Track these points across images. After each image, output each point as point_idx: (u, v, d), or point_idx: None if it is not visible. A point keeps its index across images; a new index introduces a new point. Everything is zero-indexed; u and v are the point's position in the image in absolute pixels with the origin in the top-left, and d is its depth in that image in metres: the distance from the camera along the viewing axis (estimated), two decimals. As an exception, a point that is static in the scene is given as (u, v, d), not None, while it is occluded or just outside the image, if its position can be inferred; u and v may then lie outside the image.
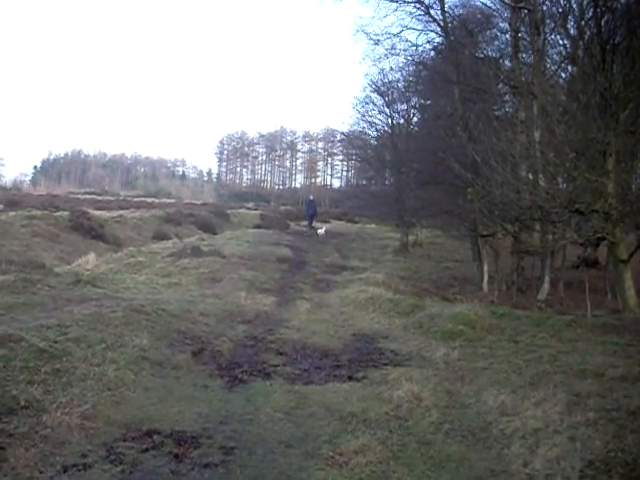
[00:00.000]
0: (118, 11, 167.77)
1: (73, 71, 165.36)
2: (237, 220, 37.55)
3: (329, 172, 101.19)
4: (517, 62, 15.70)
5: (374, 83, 29.98)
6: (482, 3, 19.04)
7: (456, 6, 20.63)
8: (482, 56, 17.45)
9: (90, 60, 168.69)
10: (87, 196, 56.13)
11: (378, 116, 32.03)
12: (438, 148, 17.47)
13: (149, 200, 56.03)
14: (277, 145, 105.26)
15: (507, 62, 17.36)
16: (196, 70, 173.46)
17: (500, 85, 16.59)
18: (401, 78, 28.68)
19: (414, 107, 30.91)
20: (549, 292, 15.21)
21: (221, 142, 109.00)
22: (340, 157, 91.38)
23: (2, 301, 8.06)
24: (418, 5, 19.32)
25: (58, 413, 4.71)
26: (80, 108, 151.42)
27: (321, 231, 30.97)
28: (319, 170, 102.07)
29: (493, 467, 4.45)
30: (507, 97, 17.81)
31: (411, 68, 25.69)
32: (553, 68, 15.27)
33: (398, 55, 23.05)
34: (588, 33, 11.35)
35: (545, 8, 14.49)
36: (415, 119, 31.66)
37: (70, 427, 4.62)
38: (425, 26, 20.15)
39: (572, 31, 12.11)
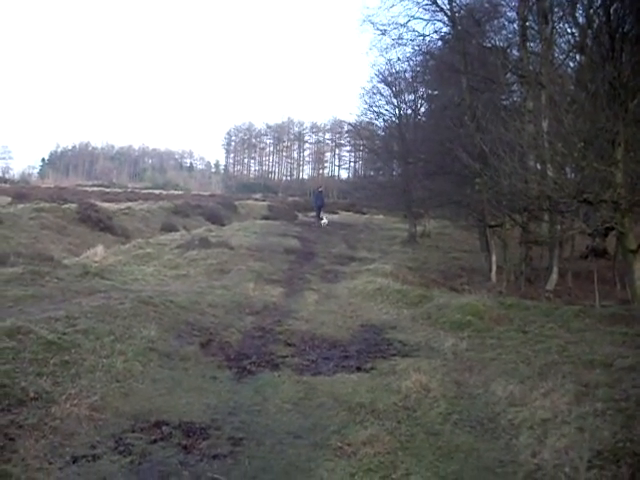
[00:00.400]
0: (125, 3, 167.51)
1: (80, 63, 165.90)
2: (245, 211, 37.57)
3: (337, 163, 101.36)
4: (525, 51, 15.59)
5: (381, 73, 29.89)
6: (489, -8, 18.89)
7: (463, -5, 20.44)
8: (490, 45, 17.32)
9: (98, 52, 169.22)
10: (95, 188, 56.48)
11: (385, 106, 31.87)
12: (446, 138, 17.38)
13: (157, 192, 56.29)
14: (284, 136, 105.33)
15: (515, 51, 17.23)
16: (203, 61, 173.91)
17: (508, 75, 16.48)
18: (408, 68, 28.51)
19: (421, 97, 30.78)
20: (557, 282, 15.12)
21: (228, 133, 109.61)
22: (348, 148, 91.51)
23: (11, 293, 8.11)
24: (425, -6, 19.16)
25: (67, 405, 4.74)
26: (87, 100, 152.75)
27: (324, 221, 31.00)
28: (327, 161, 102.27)
29: (501, 457, 4.45)
30: (515, 87, 17.70)
31: (418, 58, 25.48)
32: (561, 57, 15.16)
33: (405, 45, 22.81)
34: (597, 21, 11.24)
35: (553, -4, 14.39)
36: (422, 109, 31.50)
37: (79, 418, 4.65)
38: (432, 16, 19.96)
39: (580, 20, 12.03)
